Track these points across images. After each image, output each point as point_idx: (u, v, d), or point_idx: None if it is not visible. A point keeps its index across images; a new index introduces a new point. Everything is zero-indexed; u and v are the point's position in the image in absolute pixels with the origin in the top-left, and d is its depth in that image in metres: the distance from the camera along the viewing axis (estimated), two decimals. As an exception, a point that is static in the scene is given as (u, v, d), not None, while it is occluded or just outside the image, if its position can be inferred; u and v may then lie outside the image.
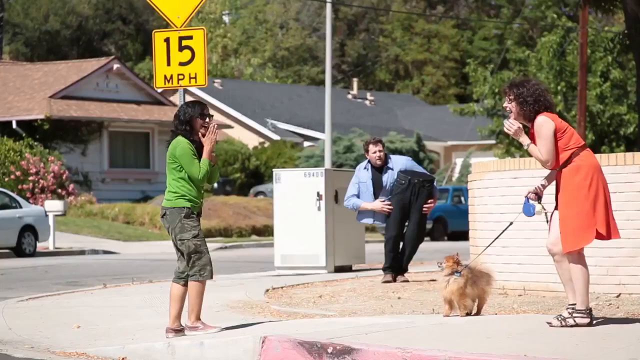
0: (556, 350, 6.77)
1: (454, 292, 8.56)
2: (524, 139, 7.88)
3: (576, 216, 7.76)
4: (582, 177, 7.79)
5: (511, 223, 9.00)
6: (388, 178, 12.88)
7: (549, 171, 8.20)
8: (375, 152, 12.92)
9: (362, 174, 13.10)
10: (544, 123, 7.81)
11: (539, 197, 8.09)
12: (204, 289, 8.40)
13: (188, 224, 8.31)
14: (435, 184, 13.05)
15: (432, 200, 12.83)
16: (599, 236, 7.85)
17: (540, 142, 7.80)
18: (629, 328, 7.92)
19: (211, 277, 8.43)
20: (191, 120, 8.46)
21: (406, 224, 12.87)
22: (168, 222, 8.36)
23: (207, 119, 8.58)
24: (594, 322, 7.87)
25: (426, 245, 29.03)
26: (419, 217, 12.79)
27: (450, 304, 8.64)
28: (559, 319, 7.84)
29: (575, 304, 7.89)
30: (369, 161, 13.08)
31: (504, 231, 9.07)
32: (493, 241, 9.29)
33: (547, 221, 8.05)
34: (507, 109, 7.97)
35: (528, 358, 6.33)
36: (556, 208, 7.96)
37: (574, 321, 7.75)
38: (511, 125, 7.87)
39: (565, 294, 8.07)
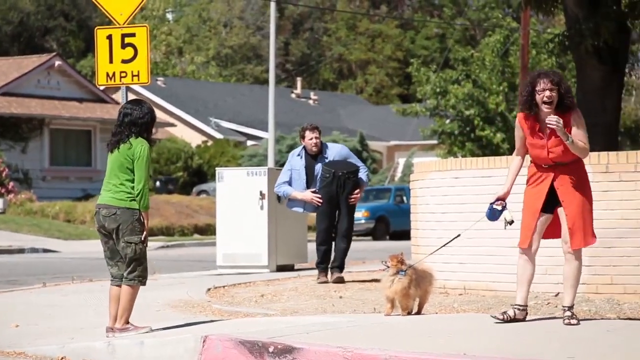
0: (496, 348, 6.82)
1: (397, 291, 8.58)
2: (568, 135, 7.76)
3: (590, 212, 7.89)
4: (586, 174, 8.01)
5: (458, 235, 9.08)
6: (319, 168, 12.62)
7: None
8: (311, 139, 12.61)
9: (296, 161, 12.79)
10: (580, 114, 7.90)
11: (503, 202, 8.07)
12: (137, 294, 8.33)
13: (138, 227, 8.23)
14: (364, 173, 12.71)
15: (358, 190, 12.57)
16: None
17: (582, 133, 7.80)
18: (567, 326, 8.01)
19: (145, 284, 8.37)
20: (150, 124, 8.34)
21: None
22: (117, 222, 8.22)
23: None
24: (527, 319, 7.99)
25: (368, 245, 29.14)
26: (347, 209, 12.56)
27: (392, 303, 8.67)
28: (570, 319, 7.86)
29: (525, 306, 7.99)
30: (303, 148, 12.76)
31: (451, 240, 9.14)
32: (439, 249, 9.35)
33: (507, 225, 8.06)
34: (549, 98, 7.78)
35: (467, 356, 6.37)
36: (556, 205, 7.89)
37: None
38: (558, 121, 7.71)
39: (517, 294, 8.07)
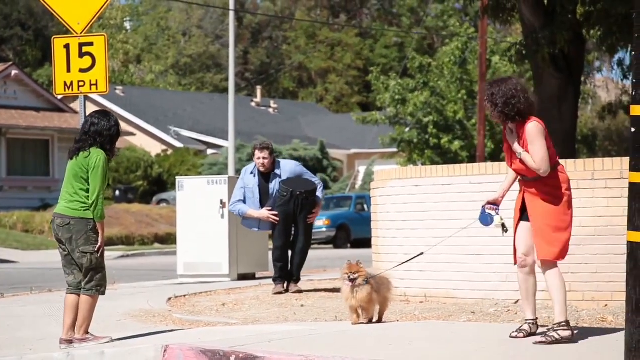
0: (457, 356, 6.86)
1: (362, 299, 8.60)
2: (519, 149, 7.51)
3: (555, 228, 7.48)
4: (566, 188, 7.57)
5: (422, 253, 9.13)
6: (275, 185, 12.42)
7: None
8: (259, 159, 12.37)
9: (249, 179, 12.60)
10: (535, 127, 7.49)
11: (496, 207, 7.83)
12: (96, 304, 8.30)
13: (93, 237, 8.19)
14: (320, 191, 12.53)
15: (315, 210, 12.43)
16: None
17: (534, 149, 7.42)
18: (532, 340, 8.07)
19: (104, 294, 8.33)
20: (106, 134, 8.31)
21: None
22: (71, 232, 8.19)
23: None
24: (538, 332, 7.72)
25: (330, 253, 29.16)
26: (304, 228, 12.40)
27: (357, 312, 8.68)
28: (544, 337, 7.45)
29: (535, 319, 7.72)
30: (255, 166, 12.56)
31: (415, 257, 9.19)
32: (402, 264, 9.39)
33: (504, 232, 7.83)
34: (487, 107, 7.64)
35: (429, 364, 6.41)
36: (522, 219, 7.65)
37: (558, 335, 7.41)
38: (511, 129, 7.50)
39: (523, 308, 7.81)
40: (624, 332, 6.21)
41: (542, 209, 7.53)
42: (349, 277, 8.60)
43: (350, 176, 49.05)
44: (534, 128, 7.46)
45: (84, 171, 8.18)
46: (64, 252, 8.27)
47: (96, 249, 8.17)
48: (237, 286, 13.86)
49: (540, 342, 7.37)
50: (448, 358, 6.70)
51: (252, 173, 12.59)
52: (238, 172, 35.11)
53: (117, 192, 42.20)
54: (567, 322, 7.45)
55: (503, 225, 7.79)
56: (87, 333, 8.22)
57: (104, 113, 8.48)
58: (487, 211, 7.85)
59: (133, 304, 11.59)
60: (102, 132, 8.28)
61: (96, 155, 8.21)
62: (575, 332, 7.61)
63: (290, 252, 12.57)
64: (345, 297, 8.67)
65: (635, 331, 6.05)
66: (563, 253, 7.54)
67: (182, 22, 71.95)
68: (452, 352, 7.07)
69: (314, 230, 18.40)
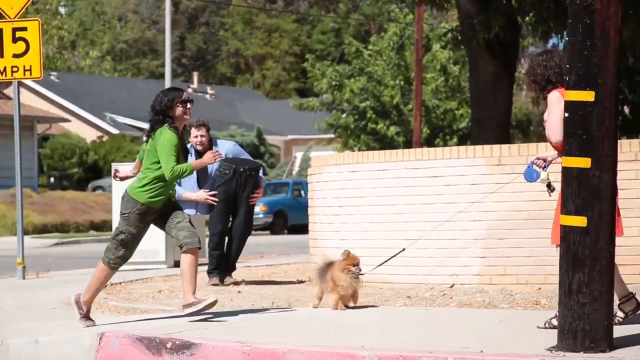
0: (394, 340, 6.91)
1: (358, 288, 8.98)
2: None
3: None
4: None
5: (404, 249, 9.19)
6: (213, 165, 11.62)
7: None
8: (196, 137, 11.83)
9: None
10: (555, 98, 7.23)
11: (545, 163, 7.34)
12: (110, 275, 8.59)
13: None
14: (260, 172, 12.09)
15: (259, 190, 11.91)
16: None
17: (550, 117, 7.19)
18: (463, 317, 8.16)
19: (115, 269, 8.58)
20: (168, 109, 8.31)
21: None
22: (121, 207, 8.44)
23: (189, 105, 8.36)
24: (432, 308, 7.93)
25: (267, 239, 29.15)
26: (246, 209, 11.82)
27: (347, 301, 8.91)
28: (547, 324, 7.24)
29: None
30: (192, 146, 11.95)
31: (395, 255, 9.25)
32: (385, 262, 9.47)
33: (550, 193, 7.31)
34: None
35: (365, 348, 6.44)
36: None
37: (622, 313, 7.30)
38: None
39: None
40: (557, 314, 6.29)
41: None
42: (356, 269, 8.86)
43: (287, 162, 49.08)
44: (551, 96, 7.27)
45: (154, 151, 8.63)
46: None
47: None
48: (173, 273, 13.79)
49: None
50: (384, 343, 6.74)
51: (189, 153, 12.17)
52: (175, 158, 34.81)
53: (52, 179, 41.74)
54: None
55: (549, 185, 7.29)
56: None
57: (163, 91, 8.57)
58: (534, 167, 7.33)
59: (68, 291, 11.46)
60: (154, 111, 8.50)
61: (161, 134, 8.39)
62: (509, 315, 7.69)
63: (227, 239, 12.03)
64: (347, 285, 8.81)
65: (568, 313, 6.14)
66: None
67: (118, 7, 71.28)
68: (388, 337, 7.12)
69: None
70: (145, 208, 8.31)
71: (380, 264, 9.58)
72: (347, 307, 8.90)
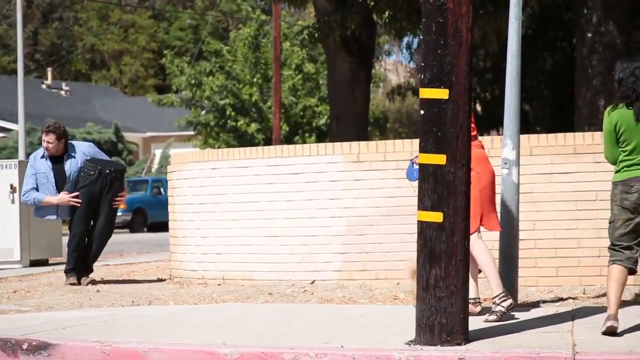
0: (255, 337, 6.93)
1: None
2: None
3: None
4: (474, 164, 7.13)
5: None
6: (71, 167, 11.65)
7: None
8: (44, 142, 11.64)
9: (40, 164, 11.74)
10: None
11: None
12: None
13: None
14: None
15: (123, 193, 11.79)
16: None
17: None
18: (324, 313, 8.24)
19: None
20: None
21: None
22: None
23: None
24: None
25: (126, 237, 28.77)
26: (109, 212, 11.67)
27: None
28: (493, 314, 7.30)
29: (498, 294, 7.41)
30: (44, 150, 11.80)
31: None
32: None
33: None
34: None
35: (227, 345, 6.45)
36: None
37: (502, 307, 7.29)
38: None
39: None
40: (414, 308, 6.42)
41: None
42: None
43: (146, 160, 48.54)
44: None
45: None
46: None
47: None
48: (29, 272, 13.52)
49: (489, 320, 7.27)
50: (245, 339, 6.76)
51: (43, 157, 11.80)
52: (29, 155, 34.13)
53: None
54: (505, 292, 7.34)
55: None
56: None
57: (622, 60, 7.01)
58: (415, 165, 7.12)
59: None
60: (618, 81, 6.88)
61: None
62: (369, 310, 7.81)
63: (87, 240, 11.80)
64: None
65: (426, 308, 6.27)
66: (473, 226, 7.06)
67: (-33, 1, 69.18)
68: (250, 333, 7.15)
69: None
70: None
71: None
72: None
